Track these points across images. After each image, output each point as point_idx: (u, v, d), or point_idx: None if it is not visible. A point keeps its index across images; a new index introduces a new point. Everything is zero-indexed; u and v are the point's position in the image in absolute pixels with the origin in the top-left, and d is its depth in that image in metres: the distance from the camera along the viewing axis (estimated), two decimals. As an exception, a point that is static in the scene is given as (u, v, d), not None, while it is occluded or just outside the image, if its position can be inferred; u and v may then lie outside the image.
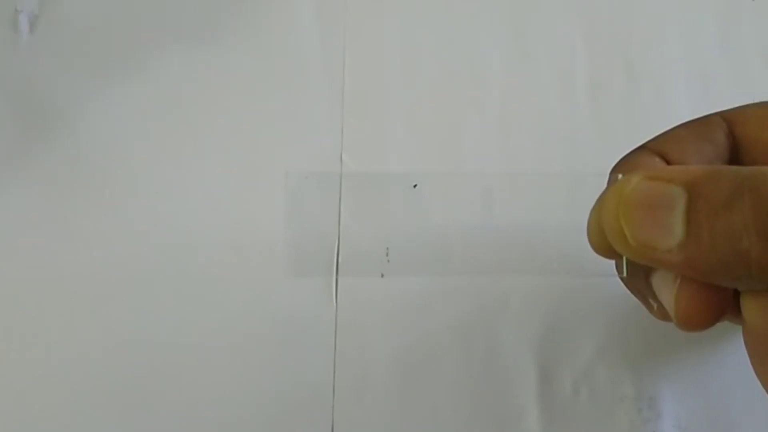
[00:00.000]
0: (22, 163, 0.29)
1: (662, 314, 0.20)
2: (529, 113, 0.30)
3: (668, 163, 0.21)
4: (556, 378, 0.27)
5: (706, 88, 0.30)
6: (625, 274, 0.21)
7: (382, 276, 0.27)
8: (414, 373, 0.27)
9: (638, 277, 0.21)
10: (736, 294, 0.19)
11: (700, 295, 0.18)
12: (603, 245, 0.20)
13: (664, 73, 0.31)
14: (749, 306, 0.18)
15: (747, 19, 0.32)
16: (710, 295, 0.18)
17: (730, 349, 0.27)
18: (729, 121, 0.22)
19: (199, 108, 0.30)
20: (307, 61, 0.30)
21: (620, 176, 0.21)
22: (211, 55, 0.30)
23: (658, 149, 0.22)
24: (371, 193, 0.29)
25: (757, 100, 0.23)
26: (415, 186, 0.28)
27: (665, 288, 0.19)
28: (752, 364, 0.19)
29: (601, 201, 0.20)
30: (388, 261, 0.28)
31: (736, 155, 0.22)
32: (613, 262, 0.21)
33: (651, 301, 0.21)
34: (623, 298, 0.27)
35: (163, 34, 0.30)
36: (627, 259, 0.20)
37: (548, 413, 0.26)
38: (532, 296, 0.28)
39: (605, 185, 0.21)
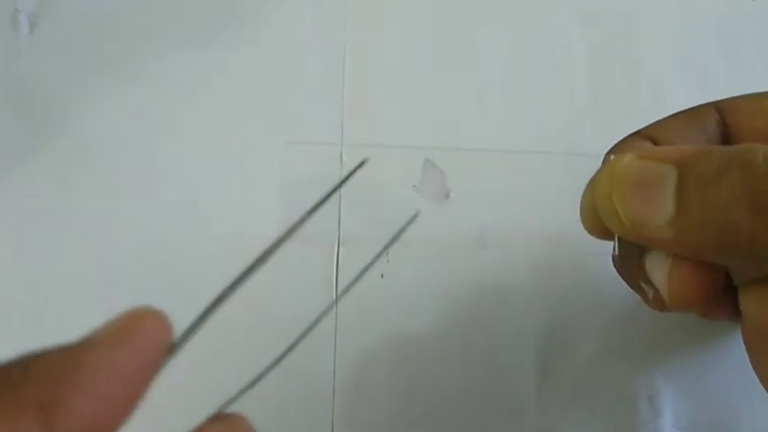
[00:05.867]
0: (22, 163, 0.29)
1: (657, 302, 0.20)
2: (529, 113, 0.30)
3: None
4: (556, 378, 0.27)
5: (706, 88, 0.30)
6: (616, 252, 0.21)
7: (382, 276, 0.28)
8: (414, 373, 0.27)
9: (631, 260, 0.21)
10: (734, 292, 0.19)
11: (691, 273, 0.18)
12: (596, 225, 0.20)
13: (664, 73, 0.31)
14: (747, 299, 0.18)
15: (747, 19, 0.32)
16: (702, 273, 0.18)
17: (729, 350, 0.27)
18: (721, 110, 0.22)
19: (199, 108, 0.29)
20: (307, 59, 0.30)
21: (612, 157, 0.21)
22: (210, 51, 0.30)
23: (651, 135, 0.22)
24: (371, 193, 0.29)
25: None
26: (414, 186, 0.28)
27: (657, 268, 0.19)
28: (750, 358, 0.19)
29: (593, 180, 0.20)
30: (388, 261, 0.28)
31: (727, 143, 0.22)
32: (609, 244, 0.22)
33: (646, 288, 0.21)
34: (623, 298, 0.27)
35: (162, 34, 0.30)
36: (620, 240, 0.21)
37: (548, 413, 0.26)
38: (532, 296, 0.28)
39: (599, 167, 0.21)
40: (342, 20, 0.31)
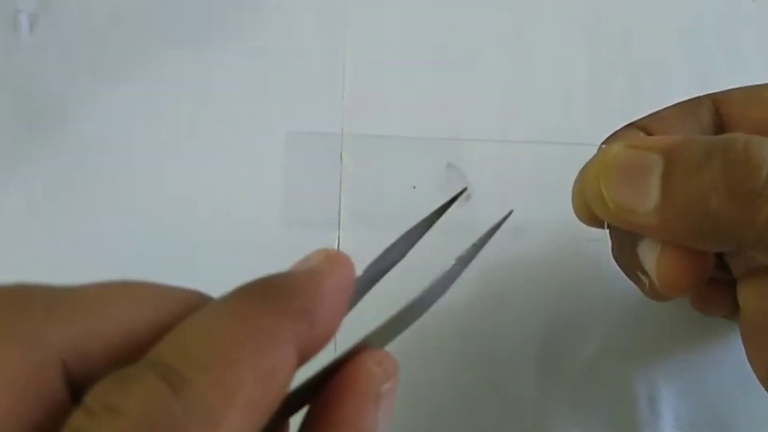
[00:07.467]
0: (22, 162, 0.29)
1: (652, 291, 0.21)
2: (529, 114, 0.30)
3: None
4: (556, 378, 0.27)
5: (706, 87, 0.30)
6: (605, 228, 0.21)
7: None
8: (414, 373, 0.27)
9: (626, 248, 0.22)
10: (731, 286, 0.19)
11: (679, 259, 0.19)
12: (587, 213, 0.20)
13: (665, 73, 0.31)
14: (745, 292, 0.18)
15: (747, 19, 0.32)
16: (689, 259, 0.19)
17: (729, 350, 0.27)
18: (716, 101, 0.22)
19: (199, 108, 0.29)
20: (307, 57, 0.30)
21: (603, 146, 0.21)
22: (210, 48, 0.30)
23: (644, 126, 0.22)
24: (371, 194, 0.29)
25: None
26: (414, 187, 0.28)
27: (649, 255, 0.20)
28: (746, 352, 0.19)
29: (584, 169, 0.21)
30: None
31: (722, 133, 0.22)
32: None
33: (642, 277, 0.21)
34: (623, 298, 0.27)
35: (163, 32, 0.30)
36: (612, 229, 0.21)
37: (548, 413, 0.26)
38: (532, 297, 0.28)
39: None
40: (342, 12, 0.31)
